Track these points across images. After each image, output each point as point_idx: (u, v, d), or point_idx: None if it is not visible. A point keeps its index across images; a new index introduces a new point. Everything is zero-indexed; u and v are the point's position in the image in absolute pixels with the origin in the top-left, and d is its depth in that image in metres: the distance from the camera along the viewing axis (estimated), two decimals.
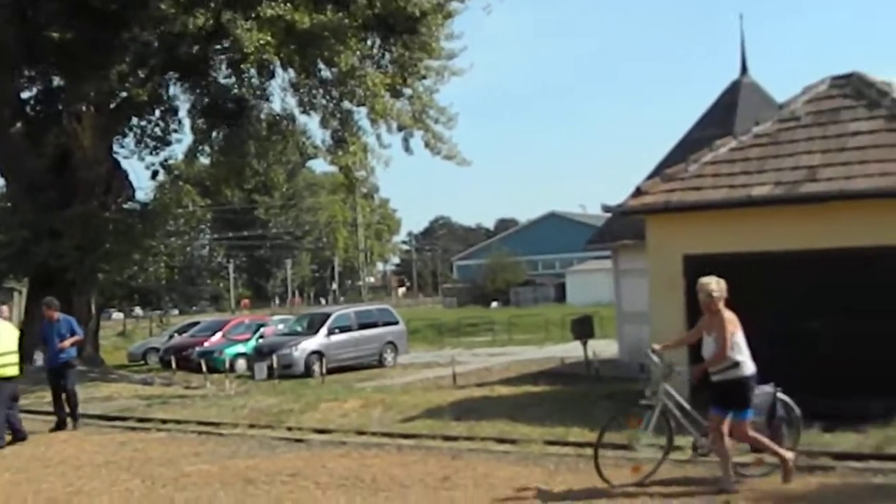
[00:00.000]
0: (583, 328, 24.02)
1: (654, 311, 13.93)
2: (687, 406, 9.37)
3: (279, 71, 26.45)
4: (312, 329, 30.84)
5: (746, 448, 9.24)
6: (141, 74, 25.38)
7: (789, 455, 9.07)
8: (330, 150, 27.46)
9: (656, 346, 9.63)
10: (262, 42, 22.83)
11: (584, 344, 23.43)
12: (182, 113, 29.16)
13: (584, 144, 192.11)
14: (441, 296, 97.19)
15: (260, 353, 29.35)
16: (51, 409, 16.41)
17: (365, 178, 31.30)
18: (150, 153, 29.78)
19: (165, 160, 30.42)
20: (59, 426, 15.79)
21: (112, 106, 26.87)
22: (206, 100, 27.65)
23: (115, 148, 29.18)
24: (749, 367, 9.05)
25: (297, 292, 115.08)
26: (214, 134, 27.94)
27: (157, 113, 29.06)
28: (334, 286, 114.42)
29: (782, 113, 14.46)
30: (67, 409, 15.95)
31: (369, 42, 26.37)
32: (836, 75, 14.53)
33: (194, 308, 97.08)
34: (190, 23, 22.85)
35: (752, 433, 8.97)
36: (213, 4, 23.46)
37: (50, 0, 24.48)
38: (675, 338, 10.20)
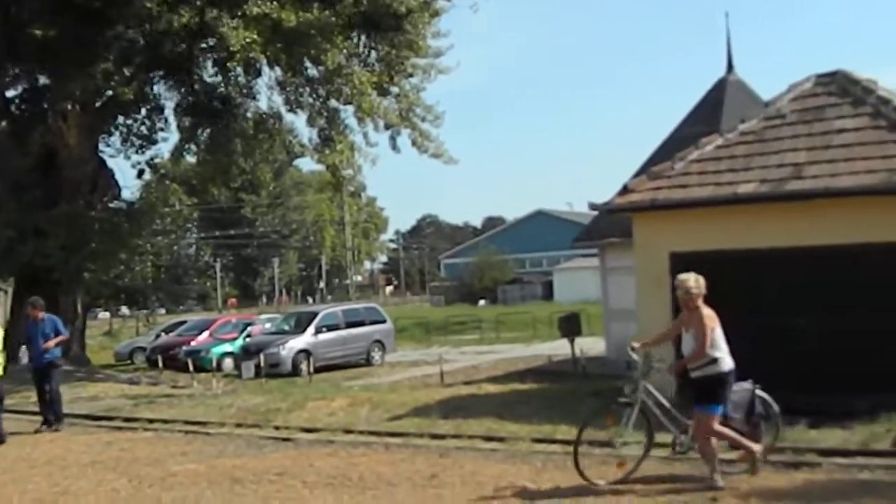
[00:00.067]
0: (570, 326, 24.12)
1: (640, 309, 13.97)
2: (667, 403, 9.38)
3: (266, 69, 26.41)
4: (300, 328, 30.80)
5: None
6: (126, 73, 25.28)
7: (756, 447, 9.13)
8: (317, 148, 27.43)
9: (636, 344, 9.64)
10: (248, 40, 22.78)
11: (572, 341, 23.52)
12: (168, 111, 29.10)
13: (571, 142, 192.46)
14: (428, 294, 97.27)
15: (247, 352, 29.29)
16: (36, 408, 16.34)
17: (352, 176, 31.26)
18: (137, 152, 29.69)
19: (151, 159, 30.33)
20: (45, 426, 15.73)
21: (98, 104, 26.78)
22: (192, 98, 27.58)
23: (101, 147, 29.10)
24: (727, 364, 9.08)
25: (284, 291, 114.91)
26: (201, 132, 27.86)
27: (143, 111, 28.94)
28: (321, 285, 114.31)
29: (768, 111, 14.51)
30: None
31: (356, 40, 26.34)
32: (821, 73, 14.58)
33: (181, 307, 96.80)
34: (174, 20, 22.79)
35: (717, 427, 8.97)
36: (197, 2, 23.39)
37: None
38: (655, 335, 10.24)
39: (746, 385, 9.29)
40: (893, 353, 11.73)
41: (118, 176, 29.50)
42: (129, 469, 11.80)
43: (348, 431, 13.66)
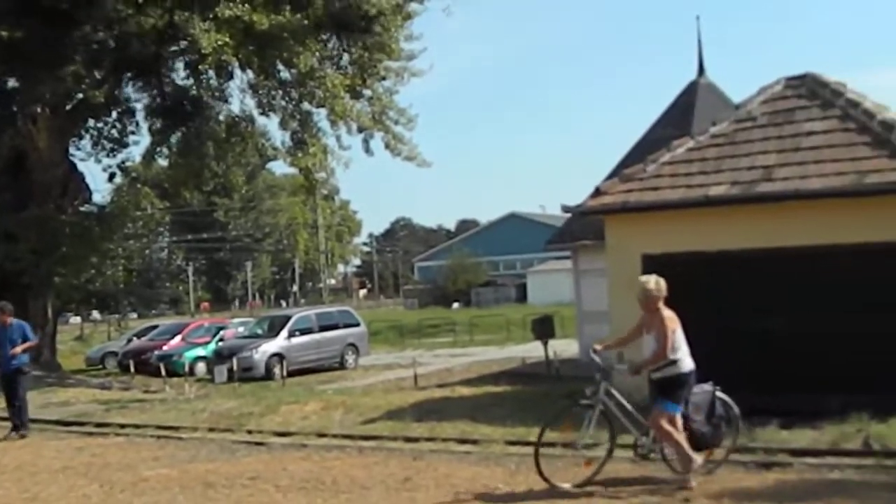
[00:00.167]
0: (543, 328, 24.11)
1: (613, 311, 14.00)
2: (628, 405, 9.39)
3: (238, 72, 26.40)
4: (273, 331, 30.65)
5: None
6: (97, 75, 25.14)
7: (696, 459, 9.06)
8: (290, 151, 27.42)
9: (597, 346, 9.67)
10: (220, 43, 22.74)
11: (545, 344, 23.51)
12: (139, 115, 28.97)
13: (543, 145, 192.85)
14: (402, 297, 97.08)
15: (220, 356, 29.10)
16: (5, 414, 16.19)
17: (325, 179, 31.26)
18: (107, 155, 29.58)
19: (123, 162, 30.24)
20: (14, 432, 15.58)
21: (68, 107, 26.64)
22: (163, 101, 27.47)
23: (72, 150, 28.97)
24: (687, 365, 9.13)
25: (257, 295, 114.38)
26: (172, 135, 27.73)
27: (114, 115, 28.84)
28: (295, 288, 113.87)
29: (739, 113, 14.61)
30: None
31: (328, 43, 26.32)
32: (790, 76, 14.71)
33: (153, 311, 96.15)
34: (143, 22, 22.68)
35: (665, 425, 8.99)
36: (166, 3, 23.28)
37: None
38: (616, 337, 10.25)
39: (707, 387, 9.32)
40: (864, 354, 11.85)
41: (89, 179, 29.45)
42: (101, 474, 11.71)
43: (322, 435, 13.63)
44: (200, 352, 31.84)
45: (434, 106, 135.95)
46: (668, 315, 9.14)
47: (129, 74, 26.97)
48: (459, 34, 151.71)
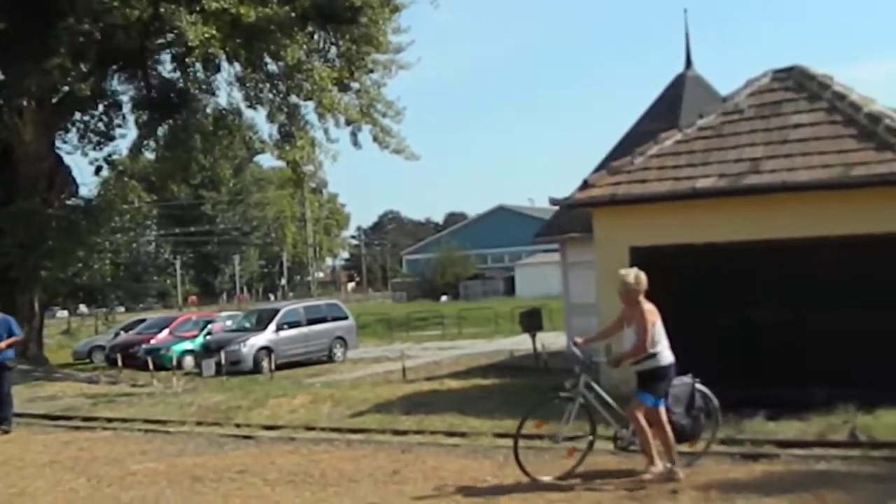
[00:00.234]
0: (531, 321, 24.15)
1: (601, 303, 14.00)
2: (608, 398, 9.41)
3: (225, 65, 26.29)
4: (261, 325, 30.61)
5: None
6: (83, 68, 24.99)
7: (657, 468, 9.05)
8: (277, 144, 27.31)
9: (578, 339, 9.67)
10: (207, 35, 22.63)
11: (533, 336, 23.56)
12: (126, 108, 28.83)
13: (531, 138, 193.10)
14: (390, 290, 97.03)
15: (208, 350, 29.07)
16: None
17: (313, 172, 31.21)
18: (94, 148, 29.40)
19: (109, 155, 30.05)
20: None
21: (54, 100, 26.49)
22: (150, 94, 27.34)
23: (58, 143, 28.79)
24: (667, 357, 9.13)
25: (245, 288, 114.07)
26: (159, 128, 27.62)
27: (101, 107, 28.68)
28: (283, 282, 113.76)
29: (726, 106, 14.64)
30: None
31: (314, 35, 26.22)
32: (777, 69, 14.73)
33: (141, 305, 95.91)
34: (128, 13, 22.56)
35: (639, 416, 9.00)
36: None
37: None
38: (597, 331, 10.25)
39: (686, 379, 9.33)
40: (850, 346, 11.89)
41: (76, 173, 29.29)
42: (88, 468, 11.68)
43: (310, 428, 13.63)
44: (188, 345, 31.77)
45: (423, 100, 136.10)
46: (649, 308, 9.14)
47: (114, 67, 26.83)
48: (446, 27, 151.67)
